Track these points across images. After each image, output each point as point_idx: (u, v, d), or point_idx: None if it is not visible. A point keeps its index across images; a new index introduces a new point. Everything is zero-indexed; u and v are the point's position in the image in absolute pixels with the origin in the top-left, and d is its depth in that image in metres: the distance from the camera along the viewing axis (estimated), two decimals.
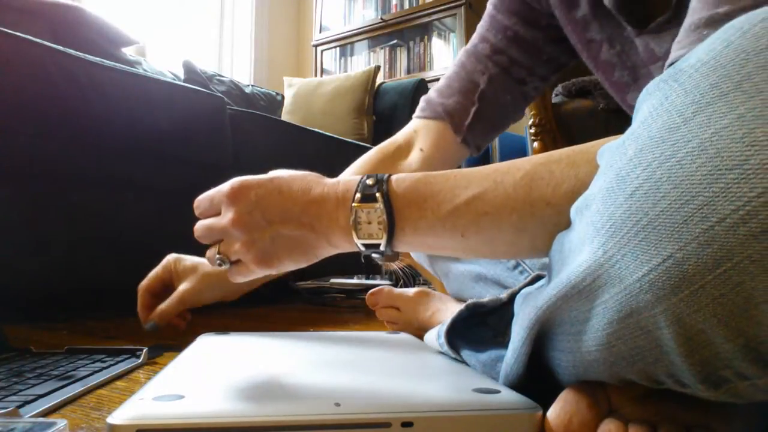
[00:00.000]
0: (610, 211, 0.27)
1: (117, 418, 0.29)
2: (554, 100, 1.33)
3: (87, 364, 0.56)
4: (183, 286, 0.73)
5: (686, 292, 0.24)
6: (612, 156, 0.29)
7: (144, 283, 0.76)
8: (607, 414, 0.33)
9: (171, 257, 0.77)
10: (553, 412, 0.33)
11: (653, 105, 0.27)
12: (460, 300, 0.70)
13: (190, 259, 0.76)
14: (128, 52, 1.82)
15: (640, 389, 0.32)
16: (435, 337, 0.51)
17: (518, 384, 0.38)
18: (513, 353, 0.38)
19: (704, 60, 0.25)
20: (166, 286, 0.76)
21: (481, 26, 0.73)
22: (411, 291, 0.76)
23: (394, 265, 0.98)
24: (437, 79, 2.77)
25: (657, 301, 0.25)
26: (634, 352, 0.28)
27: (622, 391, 0.33)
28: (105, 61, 1.11)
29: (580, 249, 0.30)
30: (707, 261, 0.23)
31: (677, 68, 0.27)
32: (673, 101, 0.26)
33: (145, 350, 0.63)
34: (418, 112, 0.73)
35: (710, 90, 0.25)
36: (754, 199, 0.22)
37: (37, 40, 0.99)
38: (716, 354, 0.25)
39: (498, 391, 0.35)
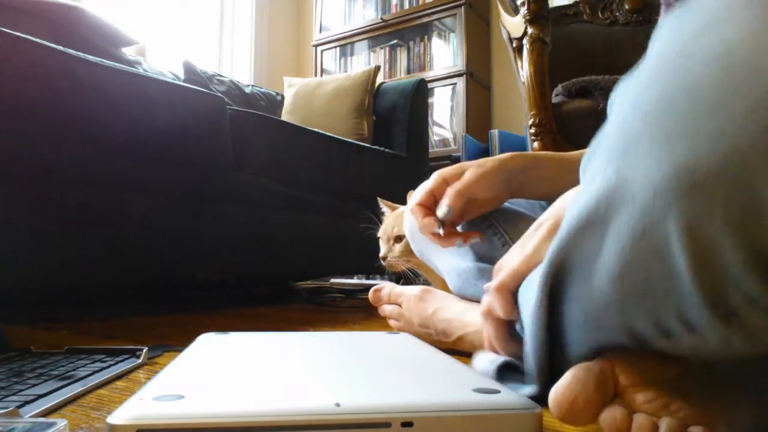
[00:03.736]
0: (625, 134, 0.28)
1: (117, 418, 0.29)
2: (554, 100, 1.33)
3: (87, 364, 0.56)
4: (469, 172, 0.63)
5: (697, 199, 0.25)
6: (625, 87, 0.30)
7: (415, 201, 0.65)
8: (612, 399, 0.33)
9: (438, 171, 0.66)
10: (558, 389, 0.33)
11: (666, 32, 0.29)
12: (463, 298, 0.70)
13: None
14: (128, 52, 1.82)
15: (648, 375, 0.32)
16: (486, 364, 0.50)
17: (542, 354, 0.37)
18: (531, 318, 0.37)
19: None
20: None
21: None
22: (414, 288, 0.76)
23: (400, 266, 0.98)
24: (437, 79, 2.79)
25: (669, 212, 0.26)
26: (645, 284, 0.28)
27: (631, 376, 0.33)
28: (105, 61, 1.11)
29: (590, 185, 0.31)
30: (717, 160, 0.24)
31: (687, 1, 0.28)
32: (685, 25, 0.27)
33: (145, 350, 0.63)
34: None
35: (722, 10, 0.26)
36: (762, 96, 0.23)
37: (37, 40, 0.99)
38: (725, 272, 0.25)
39: (498, 391, 0.35)
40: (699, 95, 0.25)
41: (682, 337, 0.29)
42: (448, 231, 0.62)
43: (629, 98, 0.29)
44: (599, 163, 0.31)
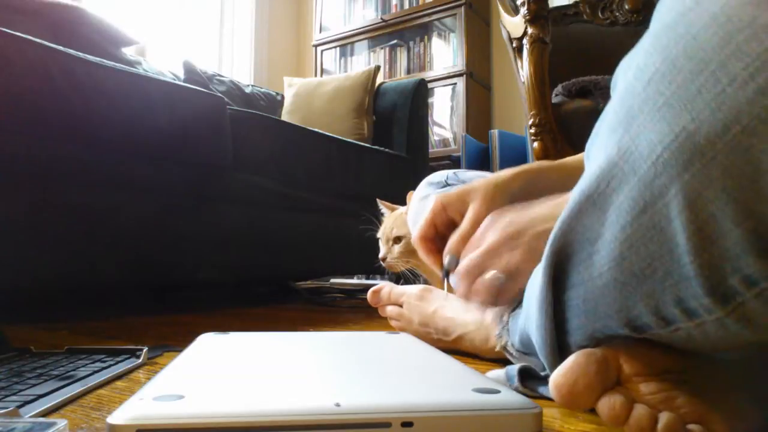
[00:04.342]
0: (628, 104, 0.28)
1: (117, 418, 0.29)
2: (554, 100, 1.33)
3: (87, 364, 0.56)
4: (474, 205, 0.60)
5: (698, 166, 0.24)
6: (628, 60, 0.30)
7: (417, 233, 0.63)
8: (614, 386, 0.32)
9: (438, 197, 0.63)
10: (560, 371, 0.32)
11: (666, 4, 0.29)
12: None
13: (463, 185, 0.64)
14: (128, 52, 1.82)
15: (653, 367, 0.32)
16: (503, 378, 0.50)
17: (552, 346, 0.37)
18: (537, 307, 0.37)
19: None
20: (446, 227, 0.63)
21: None
22: (415, 288, 0.76)
23: (399, 267, 0.98)
24: (437, 79, 2.79)
25: (670, 183, 0.25)
26: (645, 264, 0.28)
27: (635, 366, 0.32)
28: (105, 61, 1.11)
29: (593, 163, 0.31)
30: (717, 126, 0.24)
31: None
32: None
33: (145, 350, 0.63)
34: None
35: None
36: (762, 54, 0.22)
37: (37, 40, 0.99)
38: (724, 248, 0.25)
39: (498, 391, 0.35)
40: (700, 58, 0.25)
41: (681, 325, 0.28)
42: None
43: (632, 69, 0.29)
44: (602, 139, 0.31)
